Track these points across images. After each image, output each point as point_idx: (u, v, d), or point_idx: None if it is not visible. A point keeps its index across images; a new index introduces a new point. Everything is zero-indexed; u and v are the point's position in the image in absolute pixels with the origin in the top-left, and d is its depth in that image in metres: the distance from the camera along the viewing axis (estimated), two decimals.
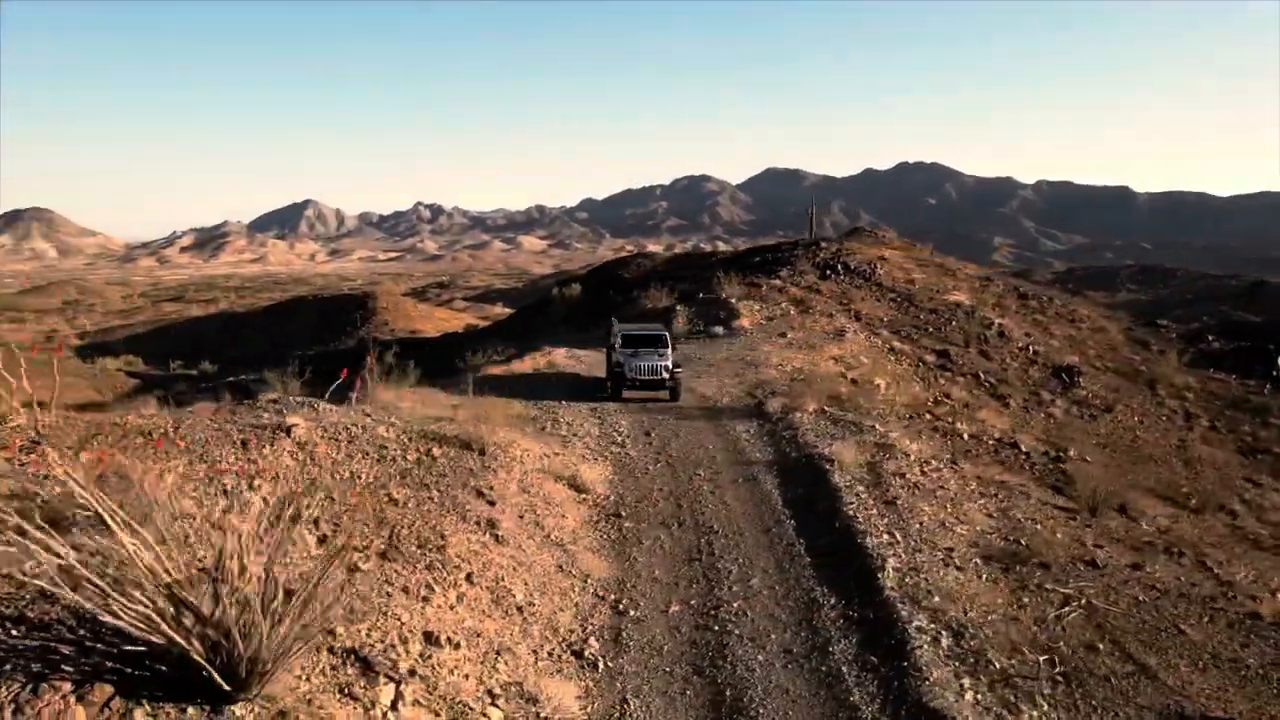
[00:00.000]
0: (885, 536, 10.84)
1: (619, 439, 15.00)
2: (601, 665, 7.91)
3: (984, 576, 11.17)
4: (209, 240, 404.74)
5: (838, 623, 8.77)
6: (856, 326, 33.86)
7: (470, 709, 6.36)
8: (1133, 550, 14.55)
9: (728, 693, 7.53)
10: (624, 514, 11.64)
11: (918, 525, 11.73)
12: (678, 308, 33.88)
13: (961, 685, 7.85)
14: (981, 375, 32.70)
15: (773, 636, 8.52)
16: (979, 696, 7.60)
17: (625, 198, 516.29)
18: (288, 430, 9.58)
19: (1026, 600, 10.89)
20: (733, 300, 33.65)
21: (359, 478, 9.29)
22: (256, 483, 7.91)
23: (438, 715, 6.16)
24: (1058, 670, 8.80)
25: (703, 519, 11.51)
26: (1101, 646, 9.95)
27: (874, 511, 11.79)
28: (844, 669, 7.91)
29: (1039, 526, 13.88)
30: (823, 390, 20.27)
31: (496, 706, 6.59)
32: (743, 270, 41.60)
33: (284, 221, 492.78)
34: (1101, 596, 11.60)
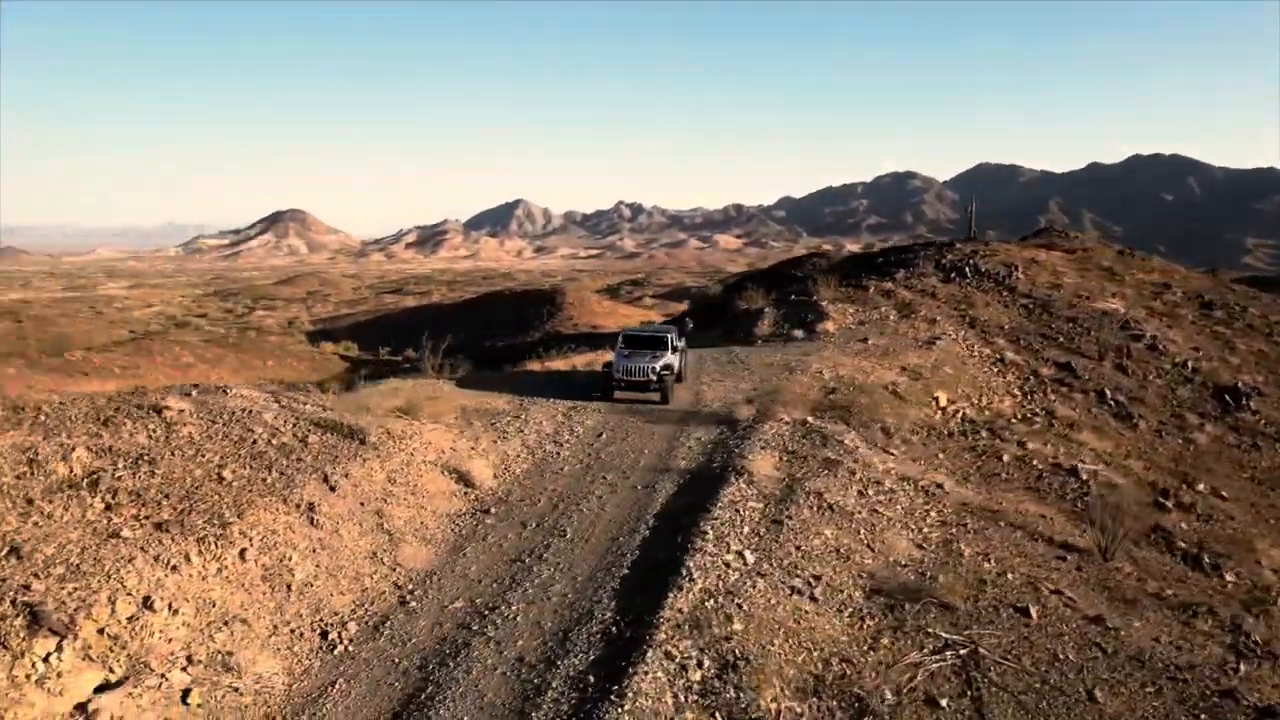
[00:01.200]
0: (728, 556, 10.23)
1: (564, 438, 15.12)
2: (340, 649, 8.25)
3: (847, 611, 10.26)
4: (430, 237, 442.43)
5: (592, 638, 8.50)
6: (964, 333, 31.27)
7: (150, 669, 6.91)
8: (1123, 602, 12.67)
9: (425, 692, 7.62)
10: (493, 511, 11.83)
11: (794, 549, 10.93)
12: (766, 310, 33.09)
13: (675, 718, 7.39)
14: (1108, 393, 29.14)
15: (519, 644, 8.45)
16: None
17: (824, 196, 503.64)
18: (159, 411, 10.75)
19: (885, 642, 9.91)
20: (824, 303, 32.27)
21: (202, 455, 10.23)
22: (76, 454, 9.00)
23: (109, 670, 6.75)
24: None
25: (563, 523, 11.44)
26: (947, 704, 8.87)
27: (745, 529, 11.13)
28: (553, 685, 7.70)
29: (987, 564, 12.38)
30: (844, 400, 19.10)
31: (186, 671, 7.09)
32: (864, 272, 39.67)
33: (496, 220, 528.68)
34: (1002, 649, 10.28)
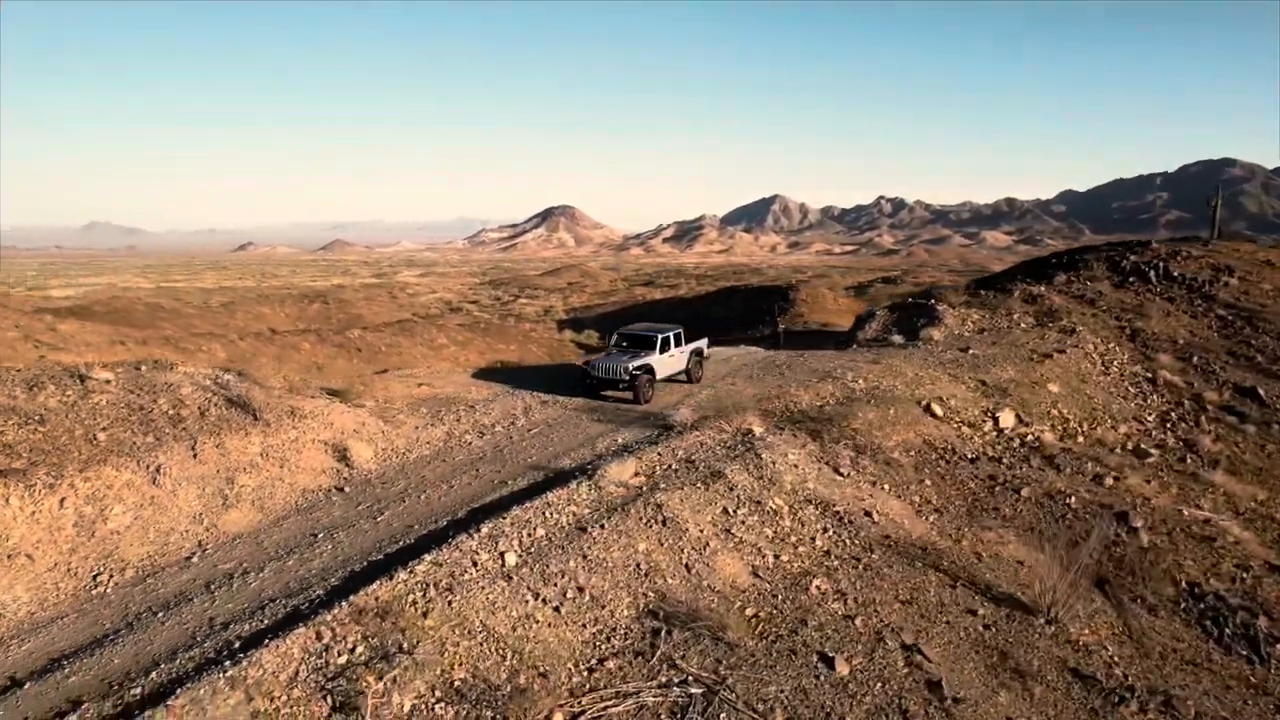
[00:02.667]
0: (484, 554, 10.28)
1: (498, 429, 15.65)
2: (99, 591, 9.72)
3: (592, 628, 9.93)
4: (686, 232, 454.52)
5: (286, 610, 9.14)
6: (1110, 346, 27.10)
7: None
8: (1013, 674, 10.95)
9: (123, 633, 8.81)
10: (347, 490, 12.77)
11: (580, 558, 10.66)
12: (878, 314, 30.82)
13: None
14: None
15: (226, 606, 9.33)
16: None
17: (1113, 189, 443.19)
18: (83, 379, 12.98)
19: (612, 664, 9.51)
20: (940, 307, 29.32)
21: (93, 419, 12.24)
22: None
23: None
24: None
25: (393, 506, 12.05)
26: None
27: (539, 531, 11.01)
28: (207, 644, 8.51)
29: (836, 605, 11.13)
30: (838, 412, 17.61)
31: None
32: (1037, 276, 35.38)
33: (752, 215, 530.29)
34: (756, 698, 9.50)
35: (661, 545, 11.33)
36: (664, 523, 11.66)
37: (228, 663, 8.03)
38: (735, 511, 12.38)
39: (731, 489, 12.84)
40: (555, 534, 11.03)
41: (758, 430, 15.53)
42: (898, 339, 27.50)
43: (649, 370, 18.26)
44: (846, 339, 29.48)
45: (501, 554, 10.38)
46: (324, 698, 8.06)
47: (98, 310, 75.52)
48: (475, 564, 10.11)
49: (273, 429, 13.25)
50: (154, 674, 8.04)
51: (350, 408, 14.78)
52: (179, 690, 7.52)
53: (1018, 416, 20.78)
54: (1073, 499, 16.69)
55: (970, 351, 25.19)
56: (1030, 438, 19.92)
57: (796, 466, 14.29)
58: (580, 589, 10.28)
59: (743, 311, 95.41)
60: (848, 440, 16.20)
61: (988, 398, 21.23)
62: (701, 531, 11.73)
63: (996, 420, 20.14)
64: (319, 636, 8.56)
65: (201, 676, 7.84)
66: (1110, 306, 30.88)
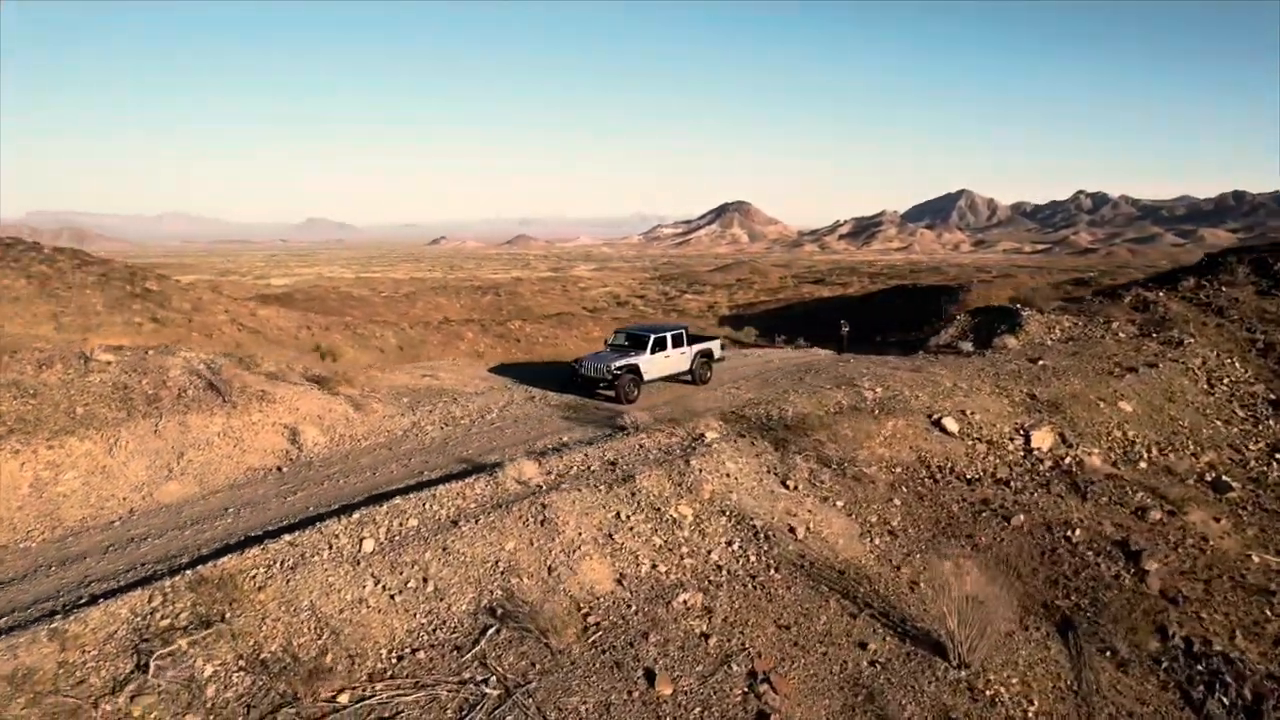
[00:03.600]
0: (344, 540, 10.79)
1: (461, 421, 16.18)
2: (23, 546, 11.25)
3: (423, 614, 10.20)
4: (864, 229, 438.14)
5: (134, 579, 10.15)
6: (1223, 361, 23.76)
7: None
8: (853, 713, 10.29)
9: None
10: (284, 470, 13.76)
11: (440, 550, 10.93)
12: (959, 318, 28.58)
13: None
14: None
15: (84, 569, 10.50)
16: None
17: None
18: (86, 360, 14.79)
19: (423, 655, 9.74)
20: (1026, 313, 26.72)
21: (82, 395, 13.96)
22: None
23: None
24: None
25: (311, 488, 12.89)
26: None
27: (411, 521, 11.36)
28: (29, 611, 9.67)
29: (697, 623, 10.72)
30: (822, 422, 16.67)
31: None
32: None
33: (936, 212, 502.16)
34: (548, 702, 9.46)
35: (531, 545, 11.32)
36: (542, 522, 11.62)
37: (59, 616, 9.01)
38: (628, 517, 12.10)
39: (635, 494, 12.54)
40: (426, 525, 11.33)
41: (710, 435, 15.00)
42: (967, 346, 25.35)
43: (634, 370, 18.08)
44: (915, 345, 27.53)
45: (361, 540, 10.82)
46: (132, 655, 8.85)
47: (298, 298, 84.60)
48: (331, 546, 10.62)
49: (238, 411, 14.52)
50: (4, 619, 9.16)
51: (326, 395, 15.86)
52: (3, 637, 8.54)
53: (1060, 436, 18.60)
54: (1077, 531, 14.81)
55: (1040, 362, 22.78)
56: (1069, 460, 17.80)
57: (729, 475, 13.69)
58: (425, 580, 10.51)
59: (908, 311, 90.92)
60: (815, 452, 15.27)
61: (1030, 414, 19.15)
62: (579, 534, 11.58)
63: (1028, 439, 18.15)
64: (150, 600, 9.39)
65: (35, 626, 8.85)
66: (1245, 316, 26.75)
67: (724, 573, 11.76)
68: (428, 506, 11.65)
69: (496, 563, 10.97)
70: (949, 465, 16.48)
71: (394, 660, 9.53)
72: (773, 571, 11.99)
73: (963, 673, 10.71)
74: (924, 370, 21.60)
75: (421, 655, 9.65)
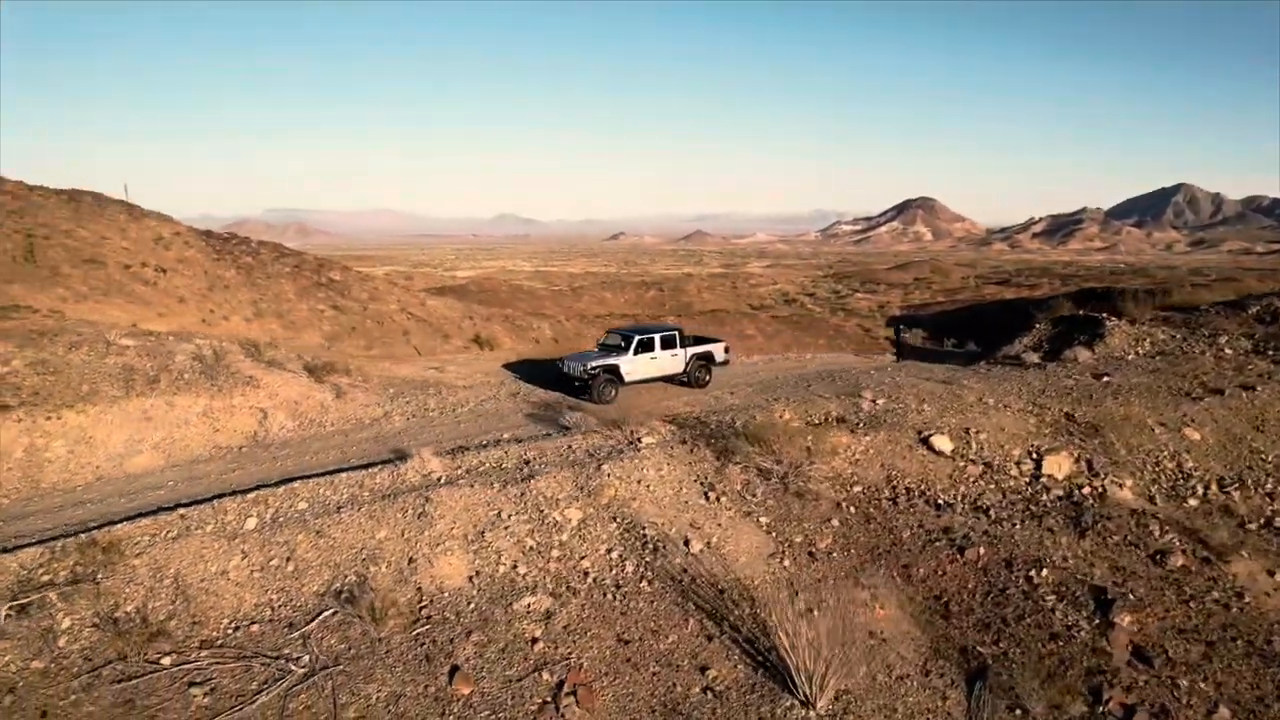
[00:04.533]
0: (229, 516, 11.74)
1: (430, 413, 16.92)
2: None
3: (249, 573, 10.91)
4: (1061, 227, 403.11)
5: (52, 536, 11.58)
6: None
7: None
8: None
9: None
10: (243, 449, 15.04)
11: (313, 532, 11.64)
12: (1038, 326, 25.95)
13: None
14: None
15: (24, 525, 12.08)
16: None
17: None
18: (108, 343, 16.81)
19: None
20: (1110, 322, 23.83)
21: (94, 374, 15.92)
22: (14, 362, 15.60)
23: None
24: None
25: (248, 469, 14.03)
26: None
27: (302, 506, 12.15)
28: None
29: (505, 627, 10.73)
30: (787, 431, 15.88)
31: None
32: None
33: (1147, 208, 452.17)
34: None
35: (401, 535, 11.71)
36: (420, 515, 11.98)
37: None
38: (508, 516, 12.19)
39: (525, 495, 12.60)
40: (313, 509, 12.02)
41: (648, 440, 14.71)
42: (1033, 358, 22.98)
43: (612, 371, 17.98)
44: (984, 354, 25.27)
45: (247, 518, 11.69)
46: (5, 605, 10.13)
47: (472, 290, 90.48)
48: (217, 521, 11.56)
49: (222, 394, 16.03)
50: None
51: (312, 383, 17.13)
52: None
53: (1087, 463, 16.51)
54: (1045, 572, 13.15)
55: (1105, 379, 20.26)
56: (1087, 490, 15.79)
57: (640, 482, 13.39)
58: (289, 559, 11.19)
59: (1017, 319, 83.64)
60: (760, 464, 14.54)
61: (1057, 436, 17.13)
62: (451, 529, 11.83)
63: (1039, 464, 16.22)
64: (41, 557, 10.70)
65: None
66: None
67: (588, 580, 11.56)
68: (322, 491, 12.34)
69: (362, 549, 11.44)
70: (921, 487, 15.10)
71: (230, 630, 10.24)
72: (644, 584, 11.63)
73: (806, 711, 9.90)
74: (955, 383, 19.83)
75: (256, 629, 10.29)
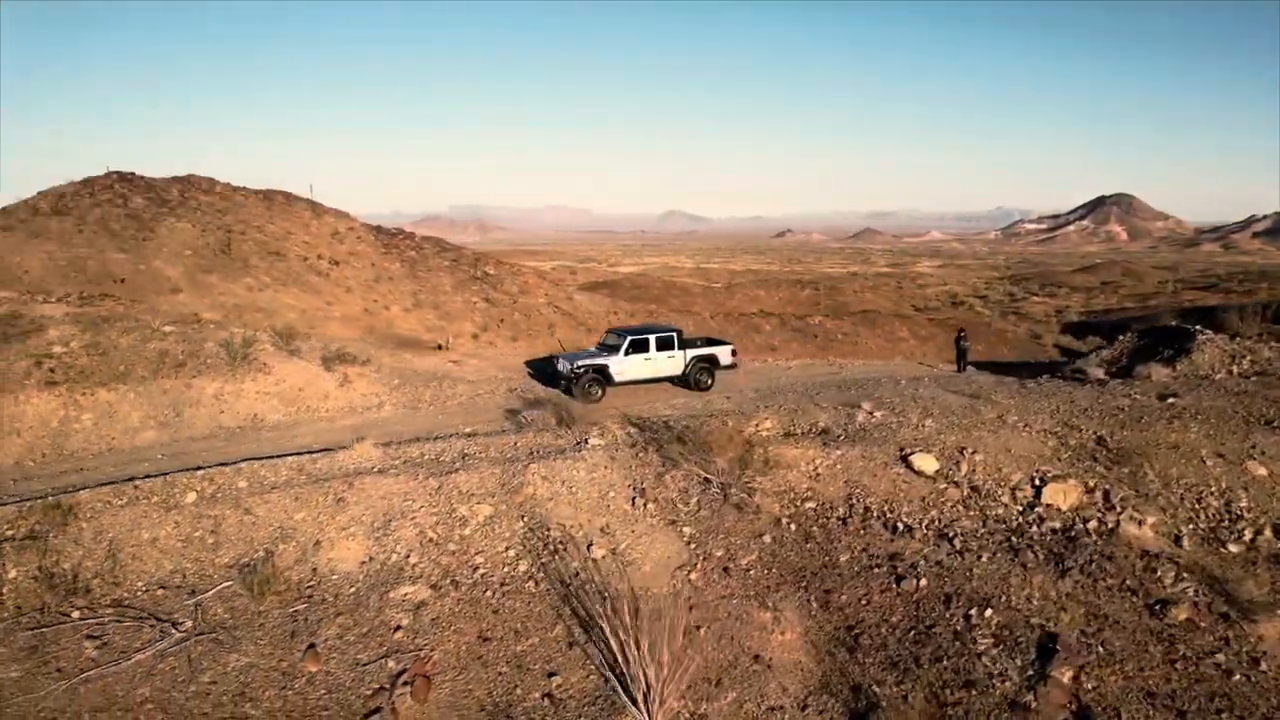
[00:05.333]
0: (177, 489, 12.94)
1: (419, 406, 17.74)
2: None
3: (179, 543, 11.95)
4: None
5: (37, 497, 13.25)
6: None
7: None
8: None
9: None
10: (239, 430, 16.40)
11: (242, 510, 12.61)
12: (1122, 339, 23.22)
13: None
14: None
15: (29, 484, 13.88)
16: None
17: None
18: (153, 330, 18.78)
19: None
20: (1203, 336, 20.92)
21: (137, 356, 17.91)
22: (76, 342, 17.88)
23: None
24: None
25: (231, 448, 15.33)
26: None
27: (241, 485, 13.16)
28: None
29: (375, 613, 11.15)
30: (745, 442, 15.29)
31: None
32: None
33: None
34: None
35: (316, 518, 12.40)
36: (338, 500, 12.64)
37: None
38: (419, 507, 12.59)
39: (441, 488, 12.96)
40: (251, 487, 13.00)
41: (594, 441, 14.64)
42: (1097, 373, 20.64)
43: (599, 371, 17.94)
44: (1053, 368, 22.93)
45: (190, 492, 12.83)
46: None
47: (625, 286, 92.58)
48: (164, 494, 12.78)
49: (235, 379, 17.58)
50: None
51: (321, 372, 18.41)
52: None
53: (1103, 494, 14.69)
54: (990, 613, 11.86)
55: (1170, 400, 17.89)
56: (1095, 525, 14.06)
57: (565, 483, 13.38)
58: (214, 532, 12.19)
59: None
60: (706, 473, 14.06)
61: (1075, 462, 15.35)
62: (361, 516, 12.39)
63: (1039, 492, 14.59)
64: (12, 513, 12.28)
65: None
66: None
67: (475, 575, 11.72)
68: (263, 472, 13.30)
69: (279, 528, 12.23)
70: (884, 509, 13.99)
71: (141, 592, 11.31)
72: (530, 584, 11.64)
73: None
74: (983, 398, 18.16)
75: (162, 593, 11.30)
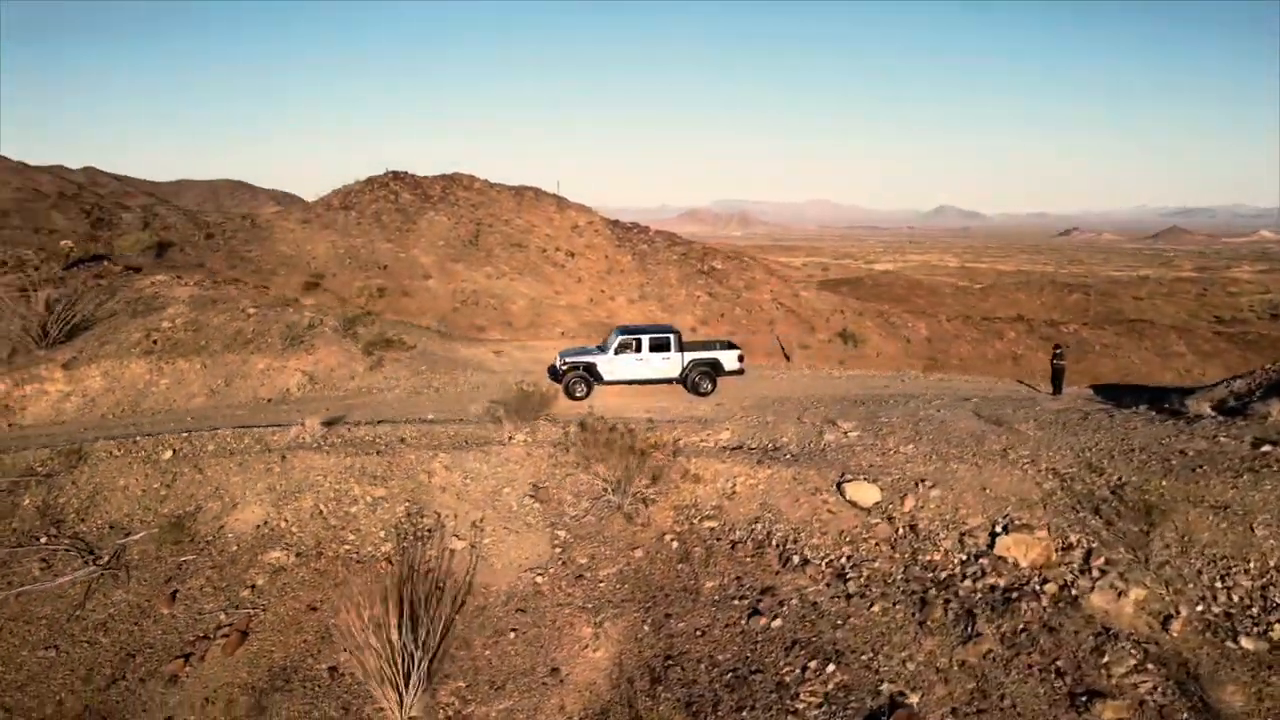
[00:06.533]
0: (165, 448, 15.27)
1: (425, 391, 19.06)
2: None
3: (154, 492, 14.15)
4: None
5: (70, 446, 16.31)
6: None
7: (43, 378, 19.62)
8: None
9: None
10: (267, 401, 18.74)
11: (198, 471, 14.64)
12: (1271, 366, 18.63)
13: None
14: None
15: (78, 433, 17.10)
16: None
17: None
18: (242, 310, 21.79)
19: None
20: None
21: (221, 334, 21.02)
22: (181, 320, 21.49)
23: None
24: None
25: (245, 416, 17.63)
26: None
27: (210, 448, 15.23)
28: None
29: (233, 561, 12.43)
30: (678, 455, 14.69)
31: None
32: None
33: None
34: None
35: (243, 483, 14.07)
36: (268, 470, 14.19)
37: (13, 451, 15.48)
38: (325, 484, 13.76)
39: (352, 466, 14.07)
40: (217, 450, 14.99)
41: (518, 438, 14.92)
42: (1202, 407, 16.84)
43: (586, 369, 17.96)
44: (1167, 396, 19.03)
45: (169, 450, 15.07)
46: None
47: (866, 283, 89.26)
48: (151, 449, 15.13)
49: (283, 356, 20.04)
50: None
51: (356, 353, 20.43)
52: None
53: (1085, 554, 12.32)
54: (831, 667, 10.61)
55: (1265, 448, 14.31)
56: (1051, 588, 11.87)
57: (463, 475, 13.93)
58: (170, 485, 14.31)
59: None
60: (612, 479, 13.76)
61: (1066, 513, 13.01)
62: (278, 484, 13.86)
63: (993, 541, 12.50)
64: (46, 455, 15.26)
65: None
66: None
67: (341, 549, 12.66)
68: (229, 440, 15.23)
69: (216, 488, 14.04)
70: (792, 537, 12.81)
71: (95, 529, 13.62)
72: (384, 564, 12.33)
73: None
74: (1007, 424, 15.67)
75: (109, 531, 13.52)
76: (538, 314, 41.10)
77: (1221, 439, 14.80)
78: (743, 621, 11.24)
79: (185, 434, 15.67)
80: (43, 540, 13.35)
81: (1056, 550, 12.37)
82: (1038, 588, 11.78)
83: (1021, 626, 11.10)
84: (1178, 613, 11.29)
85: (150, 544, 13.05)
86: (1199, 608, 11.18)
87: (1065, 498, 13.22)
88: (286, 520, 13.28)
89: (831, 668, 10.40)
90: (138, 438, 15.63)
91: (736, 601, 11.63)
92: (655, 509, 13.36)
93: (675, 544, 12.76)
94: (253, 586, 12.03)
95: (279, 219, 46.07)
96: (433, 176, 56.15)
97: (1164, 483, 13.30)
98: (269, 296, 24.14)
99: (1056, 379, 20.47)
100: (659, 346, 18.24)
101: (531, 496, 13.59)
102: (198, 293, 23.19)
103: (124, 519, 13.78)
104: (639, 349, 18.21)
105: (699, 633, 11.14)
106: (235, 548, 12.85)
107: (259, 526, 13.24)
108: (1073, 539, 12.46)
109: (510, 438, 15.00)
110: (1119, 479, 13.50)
